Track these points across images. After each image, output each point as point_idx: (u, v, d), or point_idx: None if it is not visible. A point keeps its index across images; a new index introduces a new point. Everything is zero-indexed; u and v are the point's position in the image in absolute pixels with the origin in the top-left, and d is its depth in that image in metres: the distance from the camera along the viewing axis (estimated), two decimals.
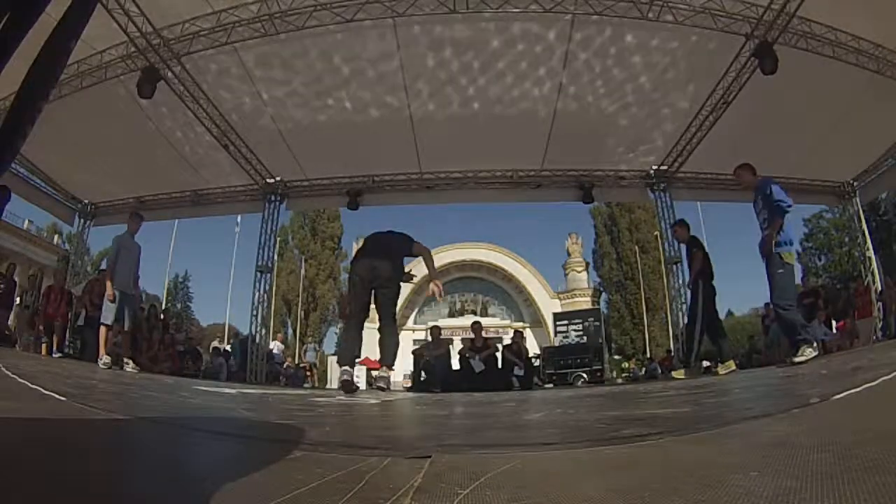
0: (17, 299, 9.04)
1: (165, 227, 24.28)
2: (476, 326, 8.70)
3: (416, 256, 4.66)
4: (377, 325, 4.25)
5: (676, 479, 0.82)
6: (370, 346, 4.55)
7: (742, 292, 62.35)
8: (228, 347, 14.27)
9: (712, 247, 6.37)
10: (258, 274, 10.55)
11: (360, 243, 5.12)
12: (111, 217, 11.25)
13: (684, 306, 9.68)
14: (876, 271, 10.49)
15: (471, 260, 32.82)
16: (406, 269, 4.66)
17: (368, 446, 1.26)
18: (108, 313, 5.53)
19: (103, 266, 7.95)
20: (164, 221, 13.49)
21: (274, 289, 15.45)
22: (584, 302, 29.59)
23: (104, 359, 5.31)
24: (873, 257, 10.77)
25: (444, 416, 2.47)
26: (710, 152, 9.11)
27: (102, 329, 5.53)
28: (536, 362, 13.00)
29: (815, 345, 4.19)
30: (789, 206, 4.37)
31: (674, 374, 5.56)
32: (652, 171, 10.21)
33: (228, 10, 6.98)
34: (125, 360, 5.59)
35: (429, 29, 7.27)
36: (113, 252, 5.82)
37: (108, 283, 5.60)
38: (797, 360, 4.09)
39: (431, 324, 12.55)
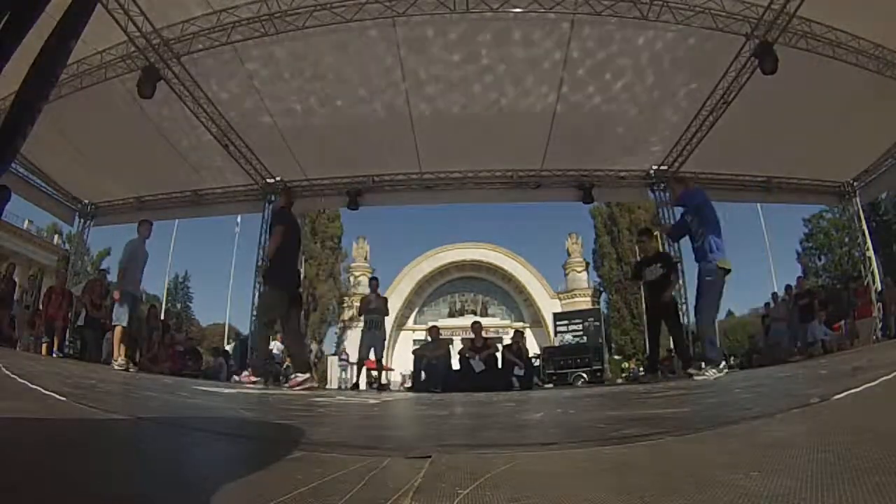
0: (17, 299, 9.05)
1: (165, 227, 24.24)
2: (476, 326, 8.70)
3: None
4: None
5: (676, 479, 0.82)
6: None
7: (742, 292, 62.33)
8: (229, 348, 14.27)
9: None
10: (258, 274, 10.55)
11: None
12: (111, 217, 11.26)
13: (684, 306, 9.68)
14: (876, 271, 10.49)
15: (471, 260, 32.78)
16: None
17: (368, 446, 1.27)
18: (122, 315, 5.63)
19: (103, 266, 8.04)
20: (164, 221, 13.48)
21: None
22: (584, 302, 29.53)
23: (119, 360, 5.35)
24: (873, 257, 10.78)
25: (444, 416, 2.47)
26: (710, 152, 9.11)
27: (118, 329, 5.62)
28: (536, 362, 12.98)
29: (720, 367, 4.32)
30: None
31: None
32: (652, 171, 10.21)
33: (228, 10, 6.97)
34: (112, 358, 5.62)
35: (429, 29, 7.26)
36: (126, 257, 5.95)
37: (119, 289, 5.72)
38: (696, 375, 4.25)
39: (431, 324, 12.55)
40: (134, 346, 7.89)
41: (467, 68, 7.84)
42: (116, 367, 5.21)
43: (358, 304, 8.03)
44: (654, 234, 6.58)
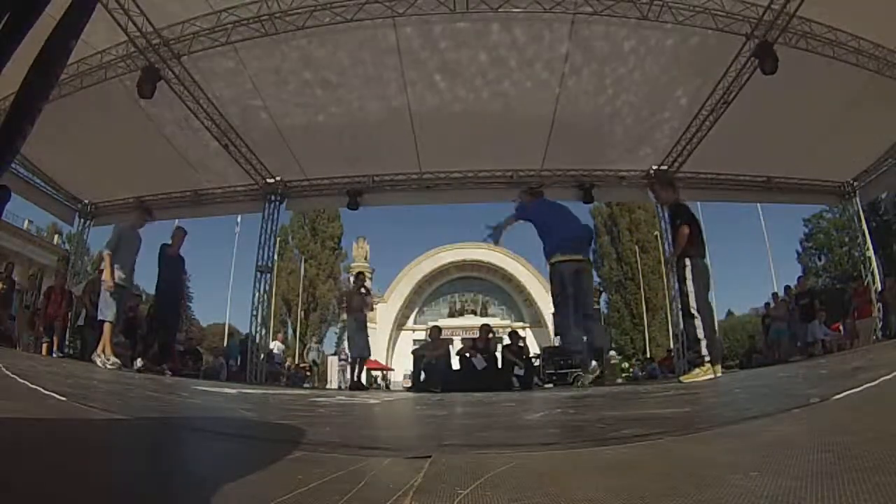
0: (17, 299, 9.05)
1: (165, 228, 24.23)
2: (484, 328, 8.74)
3: None
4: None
5: (676, 479, 0.82)
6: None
7: (742, 292, 62.33)
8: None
9: (711, 246, 6.10)
10: (258, 274, 10.55)
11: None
12: (111, 217, 11.24)
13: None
14: (876, 271, 10.48)
15: (471, 260, 32.82)
16: None
17: (368, 446, 1.27)
18: (106, 309, 5.12)
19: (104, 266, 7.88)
20: (164, 221, 13.49)
21: (274, 289, 15.45)
22: None
23: (112, 359, 4.93)
24: (873, 257, 10.77)
25: (444, 416, 2.46)
26: (710, 152, 9.10)
27: (107, 326, 5.11)
28: (536, 362, 12.96)
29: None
30: None
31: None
32: (652, 171, 10.20)
33: (228, 10, 6.96)
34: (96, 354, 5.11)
35: (429, 29, 7.25)
36: (113, 240, 5.35)
37: (108, 273, 5.13)
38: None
39: (431, 324, 12.57)
40: (132, 345, 7.87)
41: (467, 68, 7.84)
42: (109, 366, 4.84)
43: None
44: (671, 180, 4.96)
